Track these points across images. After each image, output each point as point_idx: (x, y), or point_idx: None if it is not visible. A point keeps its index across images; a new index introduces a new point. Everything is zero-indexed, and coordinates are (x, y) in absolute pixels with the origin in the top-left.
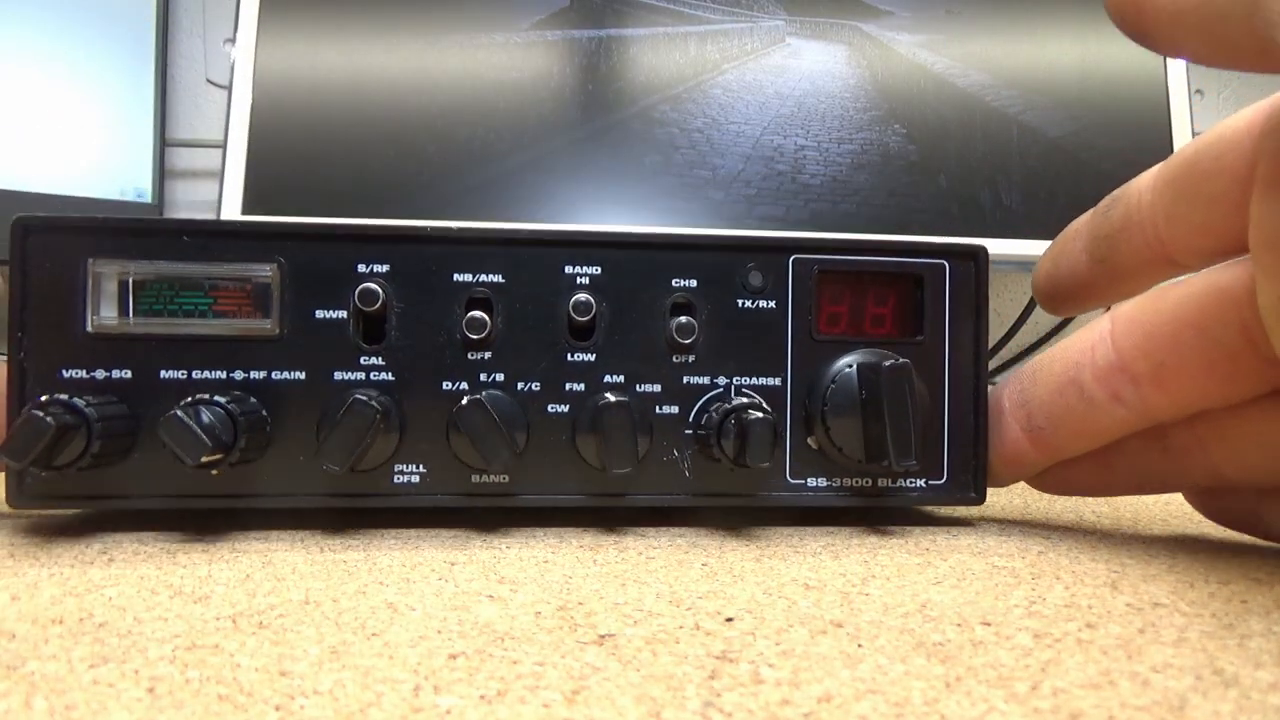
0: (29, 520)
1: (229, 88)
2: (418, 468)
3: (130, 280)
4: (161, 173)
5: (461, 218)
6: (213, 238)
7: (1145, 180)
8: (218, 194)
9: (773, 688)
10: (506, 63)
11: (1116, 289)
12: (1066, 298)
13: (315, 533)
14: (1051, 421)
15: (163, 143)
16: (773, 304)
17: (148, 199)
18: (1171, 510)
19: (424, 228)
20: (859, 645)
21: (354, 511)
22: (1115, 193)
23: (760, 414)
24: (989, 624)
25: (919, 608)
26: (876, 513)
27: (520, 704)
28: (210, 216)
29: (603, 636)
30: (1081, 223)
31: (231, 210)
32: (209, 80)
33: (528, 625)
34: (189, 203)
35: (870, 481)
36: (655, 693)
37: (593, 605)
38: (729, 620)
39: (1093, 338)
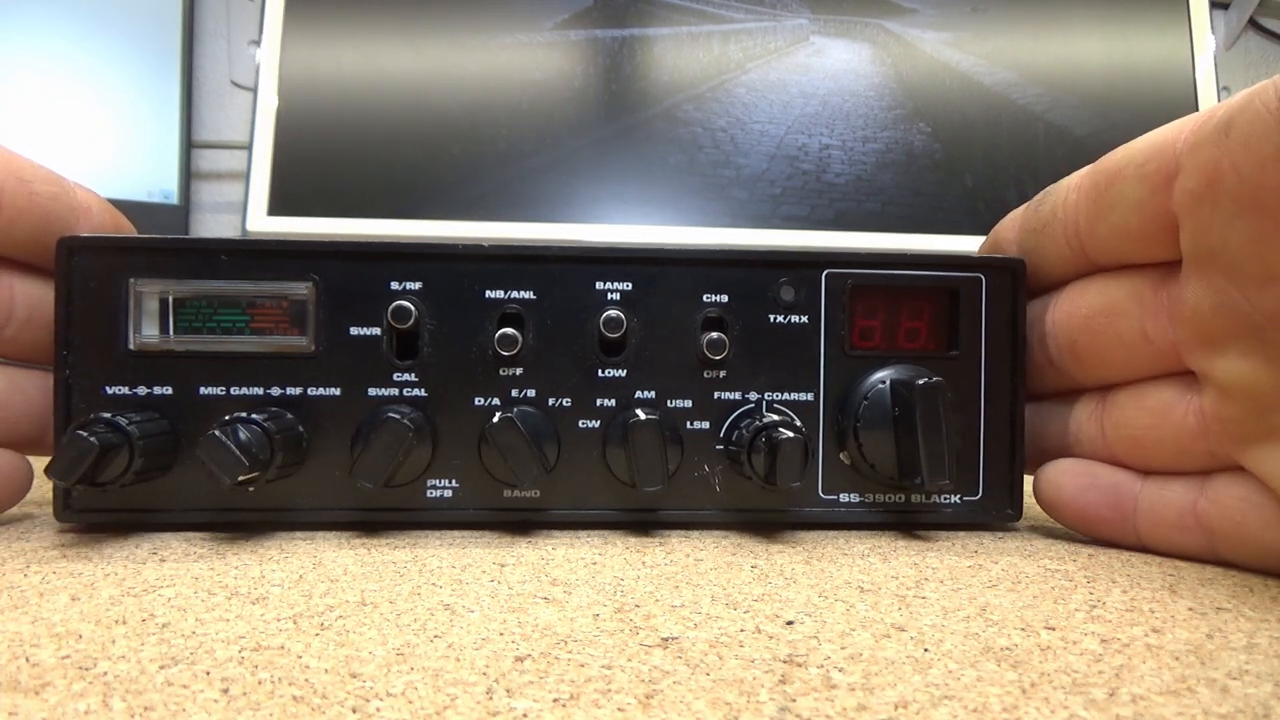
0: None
1: (254, 90)
2: (450, 483)
3: (170, 299)
4: (187, 174)
5: (486, 218)
6: (250, 256)
7: (1074, 180)
8: (243, 195)
9: (846, 693)
10: (530, 63)
11: (1037, 280)
12: None
13: (359, 534)
14: None
15: (188, 144)
16: (805, 319)
17: (174, 200)
18: None
19: (455, 245)
20: (925, 650)
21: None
22: (1048, 188)
23: (791, 433)
24: (1053, 628)
25: (979, 611)
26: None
27: (595, 708)
28: (236, 217)
29: (665, 640)
30: (1016, 214)
31: (258, 211)
32: (233, 82)
33: (588, 627)
34: (214, 204)
35: (903, 497)
36: (729, 697)
37: (650, 608)
38: (789, 623)
39: (1044, 308)
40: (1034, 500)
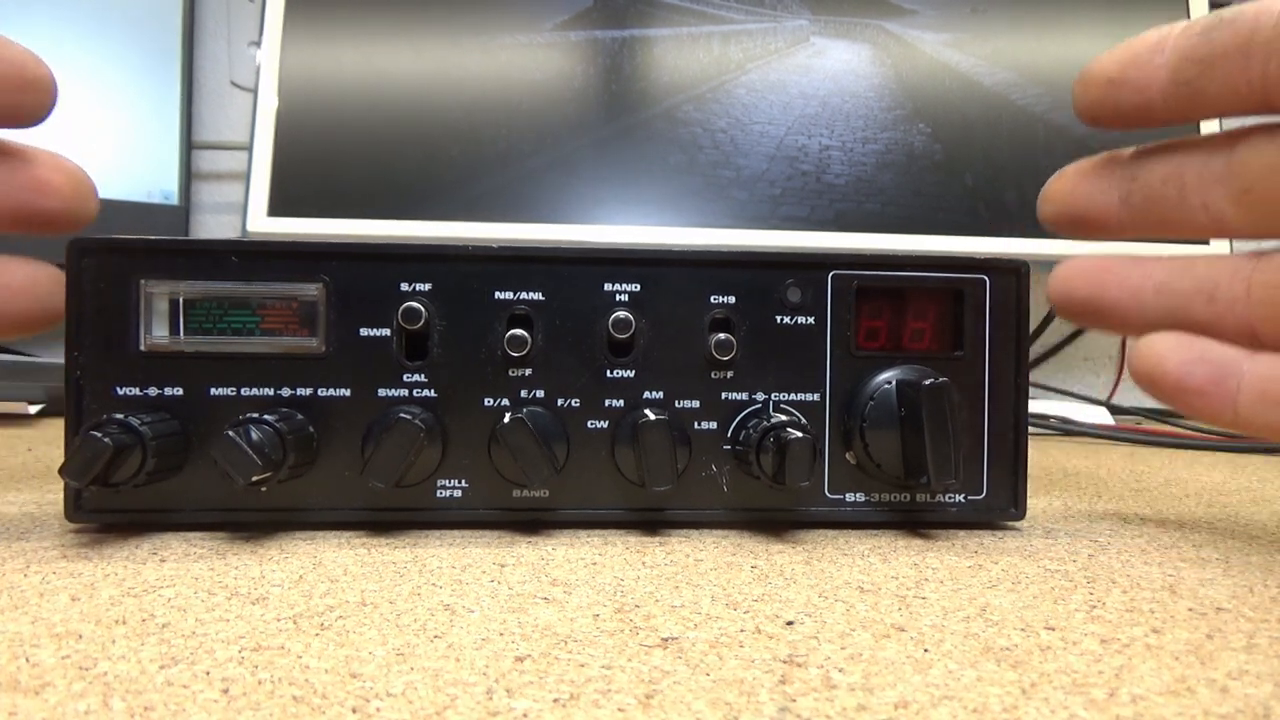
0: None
1: (254, 90)
2: (460, 483)
3: (180, 300)
4: (188, 175)
5: (486, 218)
6: (260, 258)
7: (1274, 13)
8: (244, 196)
9: (846, 693)
10: (530, 63)
11: (1190, 114)
12: (1122, 115)
13: (360, 534)
14: (1146, 199)
15: (189, 145)
16: (811, 320)
17: (174, 201)
18: (1215, 514)
19: (465, 246)
20: (925, 650)
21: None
22: (1219, 14)
23: (799, 433)
24: (1053, 628)
25: (979, 611)
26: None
27: (595, 708)
28: (236, 218)
29: (665, 640)
30: (1167, 37)
31: (258, 212)
32: (233, 83)
33: (588, 628)
34: (214, 204)
35: (909, 496)
36: (729, 697)
37: (650, 608)
38: (789, 624)
39: (1210, 144)
40: (1132, 374)
